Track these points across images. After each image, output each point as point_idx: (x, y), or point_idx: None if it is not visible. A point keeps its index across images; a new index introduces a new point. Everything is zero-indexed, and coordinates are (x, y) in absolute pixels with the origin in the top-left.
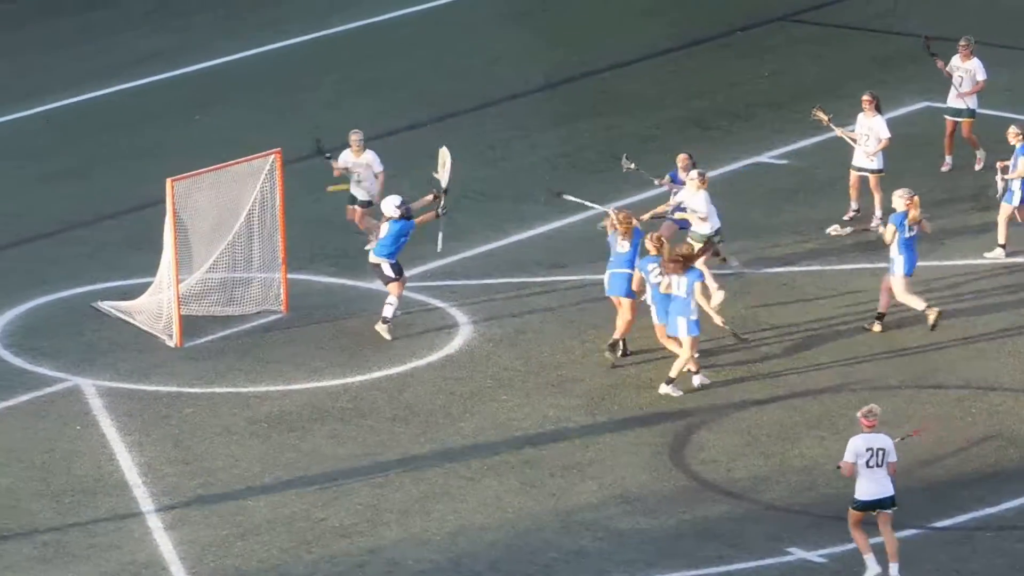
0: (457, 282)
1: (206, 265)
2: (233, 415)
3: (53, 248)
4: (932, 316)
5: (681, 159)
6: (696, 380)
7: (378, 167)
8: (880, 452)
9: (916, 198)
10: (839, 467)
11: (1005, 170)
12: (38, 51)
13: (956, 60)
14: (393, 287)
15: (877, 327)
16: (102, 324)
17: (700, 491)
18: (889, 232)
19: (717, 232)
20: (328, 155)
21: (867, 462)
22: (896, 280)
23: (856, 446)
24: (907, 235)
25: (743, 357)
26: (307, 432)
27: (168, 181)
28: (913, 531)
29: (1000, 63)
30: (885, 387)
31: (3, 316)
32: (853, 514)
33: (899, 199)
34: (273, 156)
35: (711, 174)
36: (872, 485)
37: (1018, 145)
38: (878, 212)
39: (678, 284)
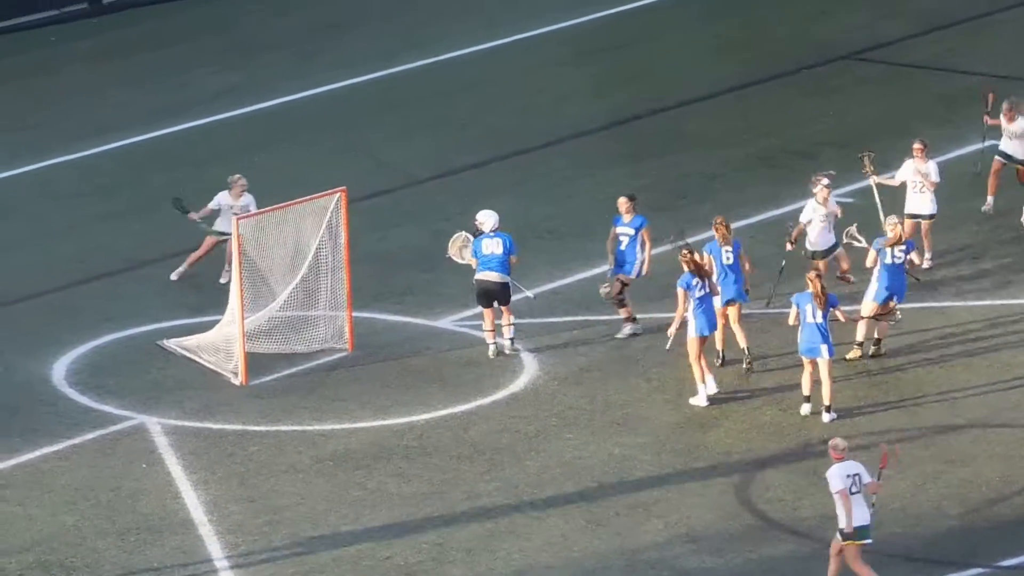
0: (522, 320)
1: (274, 304)
2: (298, 453)
3: (119, 285)
4: (853, 353)
5: (622, 202)
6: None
7: (254, 210)
8: (856, 477)
9: (899, 225)
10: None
11: None
12: (112, 86)
13: (1003, 121)
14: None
15: (856, 352)
16: (168, 362)
17: (766, 530)
18: (870, 257)
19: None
20: (187, 211)
21: (850, 489)
22: (866, 302)
23: (838, 474)
24: (887, 261)
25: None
26: (372, 470)
27: (234, 219)
28: (980, 570)
29: None
30: (951, 427)
31: (69, 354)
32: (840, 545)
33: (887, 224)
34: (338, 194)
35: (778, 212)
36: (857, 511)
37: None
38: (928, 255)
39: (814, 312)
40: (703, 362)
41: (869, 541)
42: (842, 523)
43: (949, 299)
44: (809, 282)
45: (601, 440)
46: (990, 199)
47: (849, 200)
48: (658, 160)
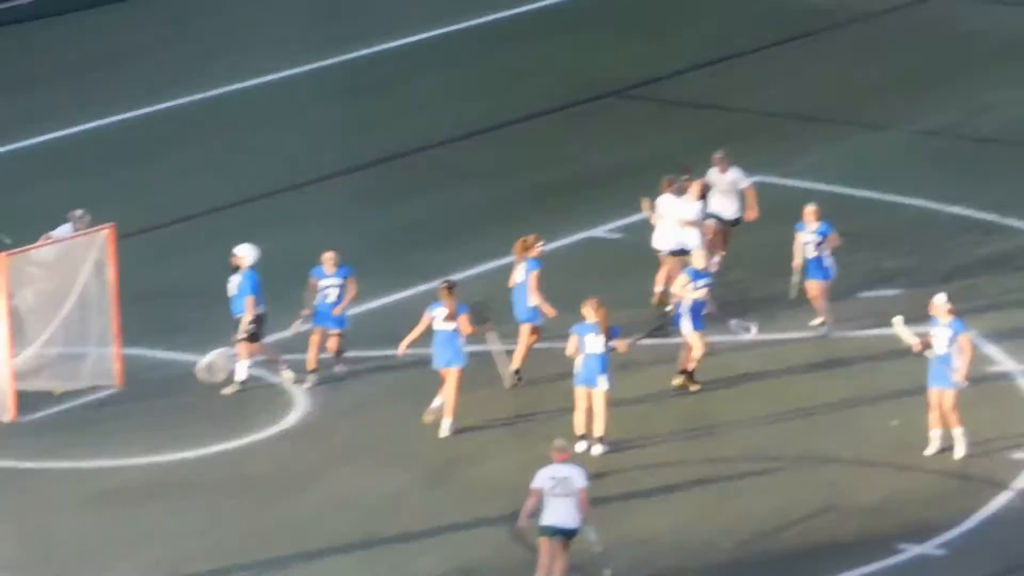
0: (295, 356)
1: (41, 340)
2: (70, 490)
3: None
4: (677, 380)
5: (326, 258)
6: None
7: None
8: (564, 480)
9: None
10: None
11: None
12: None
13: (714, 173)
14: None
15: (684, 381)
16: None
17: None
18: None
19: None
20: (9, 242)
21: (553, 490)
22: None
23: (543, 473)
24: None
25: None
26: (145, 507)
27: (0, 256)
28: None
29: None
30: (722, 459)
31: None
32: (540, 540)
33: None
34: (106, 231)
35: (550, 247)
36: (556, 513)
37: (816, 225)
38: (716, 258)
39: (594, 342)
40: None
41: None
42: (521, 517)
43: (717, 334)
44: (590, 312)
45: (374, 475)
46: (716, 258)
47: (618, 236)
48: (432, 194)
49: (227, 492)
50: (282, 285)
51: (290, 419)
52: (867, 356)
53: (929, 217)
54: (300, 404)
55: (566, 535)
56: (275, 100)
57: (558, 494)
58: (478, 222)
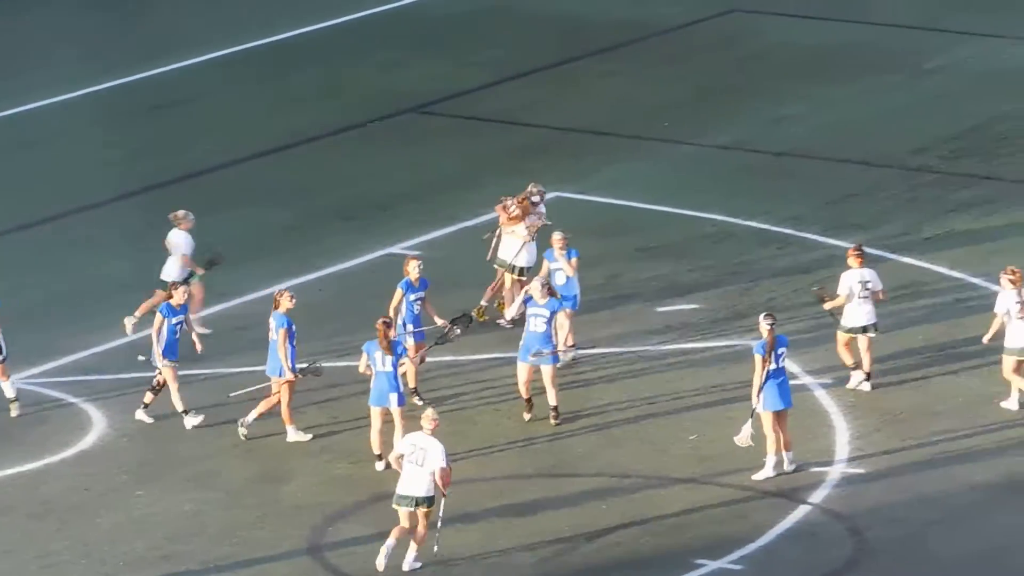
0: (91, 377)
1: None
2: None
3: None
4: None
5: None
6: None
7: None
8: (422, 451)
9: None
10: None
11: None
12: None
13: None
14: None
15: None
16: None
17: None
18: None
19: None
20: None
21: (409, 456)
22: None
23: (406, 440)
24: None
25: (377, 449)
26: None
27: None
28: None
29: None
30: (520, 475)
31: None
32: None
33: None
34: None
35: (351, 264)
36: (409, 481)
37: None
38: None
39: (383, 360)
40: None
41: (413, 509)
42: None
43: (513, 351)
44: (379, 330)
45: (173, 496)
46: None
47: (417, 253)
48: (235, 212)
49: (24, 515)
50: (92, 307)
51: (87, 440)
52: (665, 370)
53: (727, 231)
54: (97, 425)
55: (418, 503)
56: (69, 121)
57: (413, 462)
58: (280, 240)
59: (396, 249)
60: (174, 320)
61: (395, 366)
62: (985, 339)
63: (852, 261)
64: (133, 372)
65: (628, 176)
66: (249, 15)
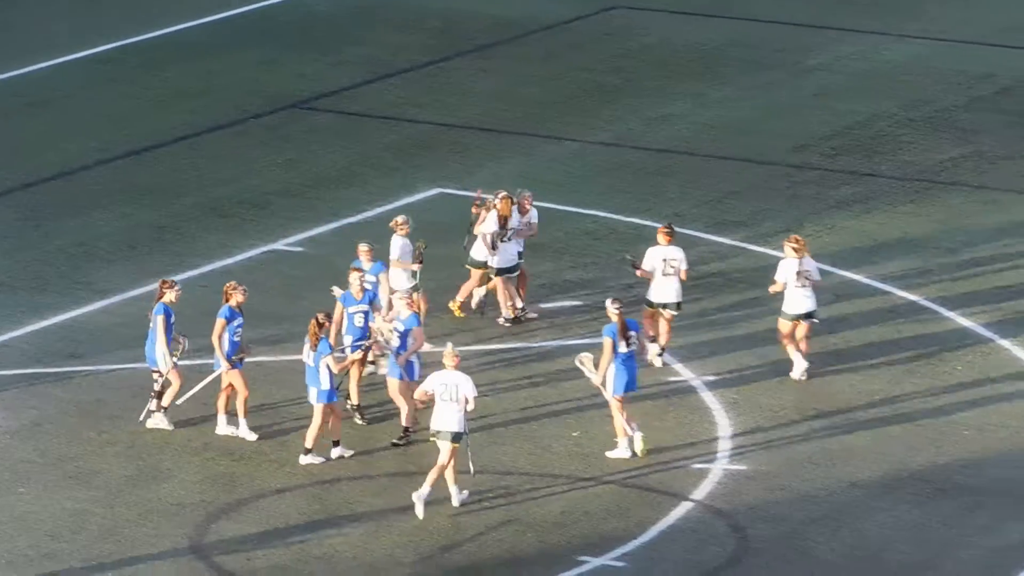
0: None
1: None
2: None
3: None
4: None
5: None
6: (335, 452)
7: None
8: (453, 387)
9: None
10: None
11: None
12: None
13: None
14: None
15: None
16: None
17: None
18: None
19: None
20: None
21: (442, 395)
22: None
23: (431, 380)
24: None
25: (262, 447)
26: None
27: None
28: None
29: (515, 151)
30: (403, 473)
31: None
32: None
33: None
34: None
35: (230, 261)
36: (443, 417)
37: (371, 264)
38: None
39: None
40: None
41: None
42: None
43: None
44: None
45: (54, 494)
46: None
47: (299, 249)
48: (108, 211)
49: None
50: None
51: None
52: (548, 367)
53: (609, 228)
54: None
55: (453, 438)
56: None
57: (446, 399)
58: (156, 238)
59: (278, 246)
60: (235, 323)
61: (317, 363)
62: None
63: (661, 238)
64: (12, 369)
65: (509, 172)
66: (123, 13)
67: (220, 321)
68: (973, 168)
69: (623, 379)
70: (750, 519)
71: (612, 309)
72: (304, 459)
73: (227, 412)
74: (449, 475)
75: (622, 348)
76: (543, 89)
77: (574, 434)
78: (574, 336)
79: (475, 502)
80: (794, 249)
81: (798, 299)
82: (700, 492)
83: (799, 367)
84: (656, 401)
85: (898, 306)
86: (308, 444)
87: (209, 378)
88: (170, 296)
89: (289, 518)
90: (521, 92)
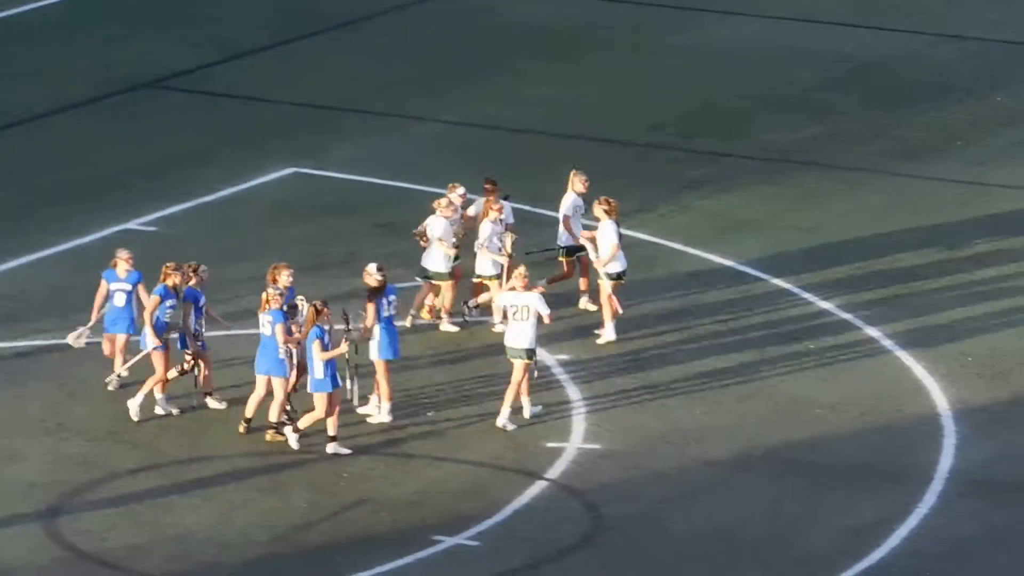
0: None
1: None
2: None
3: None
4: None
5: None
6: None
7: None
8: (524, 307)
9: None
10: None
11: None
12: None
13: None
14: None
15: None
16: None
17: (76, 562)
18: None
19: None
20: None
21: (514, 314)
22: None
23: (504, 298)
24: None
25: (116, 428)
26: None
27: None
28: None
29: (371, 131)
30: (257, 453)
31: None
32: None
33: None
34: None
35: (83, 240)
36: (516, 335)
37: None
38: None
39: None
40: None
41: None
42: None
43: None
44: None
45: None
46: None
47: (153, 229)
48: None
49: None
50: None
51: None
52: (405, 348)
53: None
54: None
55: (525, 355)
56: None
57: (518, 319)
58: (8, 217)
59: (132, 225)
60: (168, 303)
61: (311, 349)
62: (600, 268)
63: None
64: None
65: (366, 152)
66: None
67: (154, 298)
68: (828, 148)
69: (384, 344)
70: (604, 498)
71: (376, 275)
72: (330, 447)
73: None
74: (524, 388)
75: (384, 312)
76: (399, 69)
77: (429, 414)
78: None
79: (331, 481)
80: (606, 211)
81: (620, 258)
82: (555, 471)
83: (610, 332)
84: (505, 379)
85: (753, 286)
86: (331, 432)
87: (137, 357)
88: (174, 280)
89: (143, 498)
90: (376, 72)
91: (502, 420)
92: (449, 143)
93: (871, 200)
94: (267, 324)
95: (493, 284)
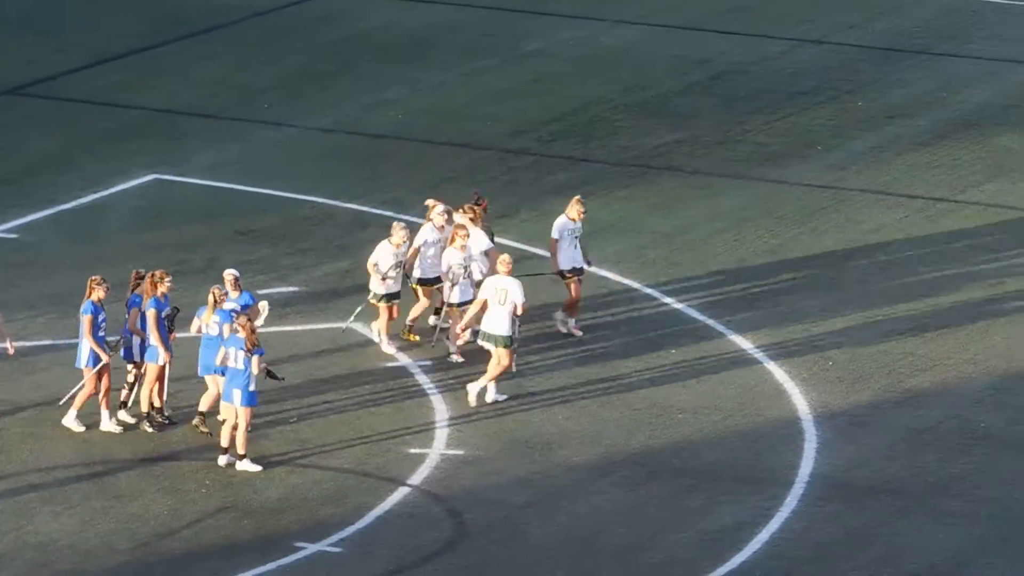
0: None
1: None
2: None
3: None
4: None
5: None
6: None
7: None
8: (504, 291)
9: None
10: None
11: None
12: None
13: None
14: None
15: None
16: None
17: None
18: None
19: None
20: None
21: (495, 299)
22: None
23: (487, 286)
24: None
25: None
26: None
27: None
28: None
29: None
30: (118, 460)
31: None
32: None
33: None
34: None
35: None
36: (494, 321)
37: None
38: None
39: (235, 357)
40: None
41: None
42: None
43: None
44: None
45: None
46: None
47: (14, 236)
48: None
49: None
50: None
51: None
52: (265, 353)
53: (326, 213)
54: None
55: (498, 342)
56: None
57: (497, 302)
58: None
59: None
60: (100, 318)
61: (248, 364)
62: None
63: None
64: None
65: (227, 158)
66: None
67: (87, 317)
68: (687, 153)
69: (153, 352)
70: (467, 503)
71: (166, 283)
72: (239, 464)
73: (108, 407)
74: (493, 372)
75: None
76: (260, 75)
77: (292, 421)
78: (291, 323)
79: (193, 489)
80: (471, 219)
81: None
82: (417, 477)
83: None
84: (374, 386)
85: (614, 291)
86: (241, 450)
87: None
88: (99, 294)
89: (3, 506)
90: (239, 78)
91: (492, 395)
92: (309, 149)
93: (731, 205)
94: (215, 324)
95: (455, 312)
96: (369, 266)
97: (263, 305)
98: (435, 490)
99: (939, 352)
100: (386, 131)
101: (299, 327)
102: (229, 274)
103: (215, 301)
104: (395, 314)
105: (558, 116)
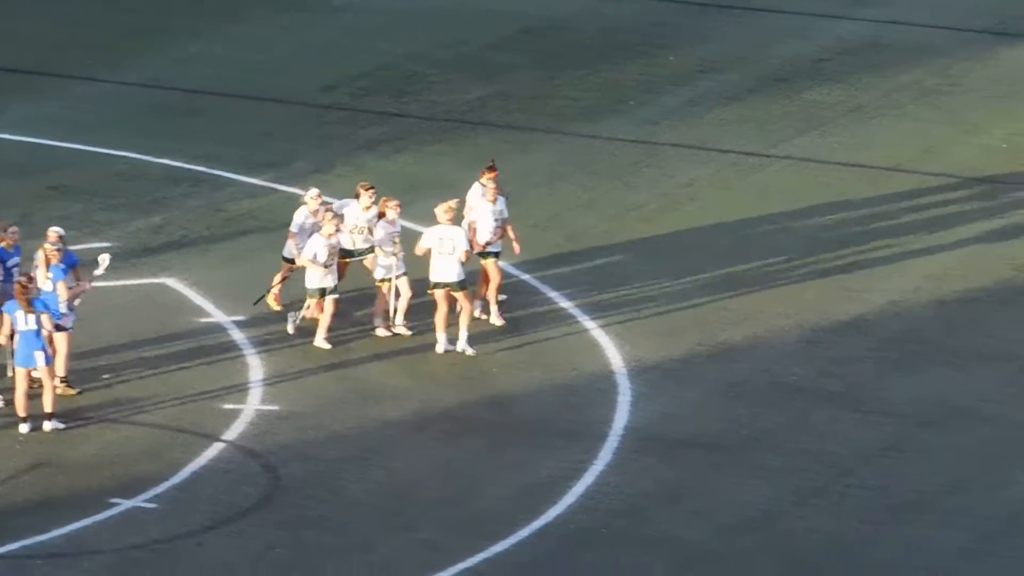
0: None
1: None
2: None
3: None
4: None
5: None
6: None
7: None
8: (449, 240)
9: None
10: None
11: None
12: None
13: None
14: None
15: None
16: None
17: None
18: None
19: None
20: None
21: (440, 248)
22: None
23: (428, 235)
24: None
25: None
26: None
27: None
28: None
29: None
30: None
31: None
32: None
33: None
34: None
35: None
36: (443, 269)
37: None
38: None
39: (24, 319)
40: None
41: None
42: None
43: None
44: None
45: None
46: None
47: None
48: None
49: None
50: None
51: None
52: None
53: (139, 169)
54: None
55: (453, 288)
56: None
57: (443, 252)
58: None
59: None
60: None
61: (39, 324)
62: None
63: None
64: None
65: (38, 114)
66: None
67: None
68: (500, 108)
69: (20, 353)
70: (282, 459)
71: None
72: (48, 425)
73: None
74: (466, 319)
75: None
76: (71, 31)
77: (104, 376)
78: (104, 279)
79: (6, 445)
80: (493, 188)
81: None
82: (232, 433)
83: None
84: (188, 343)
85: None
86: (49, 408)
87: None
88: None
89: None
90: (50, 34)
91: (462, 345)
92: (122, 104)
93: (544, 160)
94: (48, 280)
95: (384, 286)
96: (304, 261)
97: (103, 257)
98: (250, 446)
99: (751, 306)
100: (199, 86)
101: (112, 283)
102: (53, 232)
103: (47, 258)
104: (334, 308)
105: (370, 71)
